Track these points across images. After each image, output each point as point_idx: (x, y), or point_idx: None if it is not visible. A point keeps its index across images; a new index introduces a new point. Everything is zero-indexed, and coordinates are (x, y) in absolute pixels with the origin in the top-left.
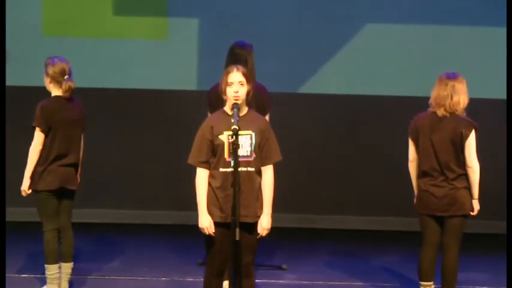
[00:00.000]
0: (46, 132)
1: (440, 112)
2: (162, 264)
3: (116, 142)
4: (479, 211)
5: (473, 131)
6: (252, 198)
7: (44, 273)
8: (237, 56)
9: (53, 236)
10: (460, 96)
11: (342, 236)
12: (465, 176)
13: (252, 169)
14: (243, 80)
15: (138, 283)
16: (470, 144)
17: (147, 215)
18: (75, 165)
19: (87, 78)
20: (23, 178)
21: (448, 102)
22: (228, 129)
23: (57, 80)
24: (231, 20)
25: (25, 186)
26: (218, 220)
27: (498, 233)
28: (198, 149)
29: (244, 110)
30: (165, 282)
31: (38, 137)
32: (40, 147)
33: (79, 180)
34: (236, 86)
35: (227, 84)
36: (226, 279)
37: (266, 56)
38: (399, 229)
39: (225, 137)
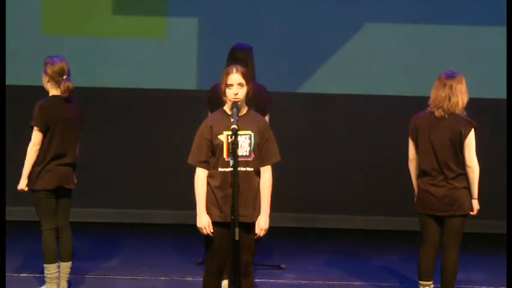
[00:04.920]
0: (44, 131)
1: (439, 113)
2: (162, 263)
3: (115, 142)
4: (479, 211)
5: (472, 130)
6: (251, 198)
7: (42, 273)
8: (237, 59)
9: (52, 236)
10: (459, 97)
11: (341, 236)
12: (465, 176)
13: (251, 169)
14: (243, 81)
15: (137, 282)
16: (470, 143)
17: (146, 214)
18: (72, 165)
19: (86, 78)
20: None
21: (446, 104)
22: (228, 129)
23: (56, 80)
24: (230, 19)
25: (22, 185)
26: (217, 220)
27: (498, 233)
28: (197, 148)
29: (244, 110)
30: (165, 282)
31: (36, 137)
32: (38, 146)
33: (76, 180)
34: (236, 87)
35: (227, 85)
36: (225, 279)
37: (266, 56)
38: (399, 229)
39: (224, 137)
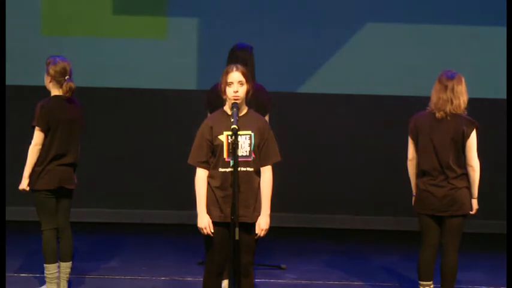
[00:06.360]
0: (45, 131)
1: (440, 115)
2: (162, 263)
3: (115, 142)
4: (479, 210)
5: (474, 129)
6: (251, 198)
7: (43, 273)
8: (238, 58)
9: (52, 236)
10: (460, 99)
11: (341, 236)
12: (465, 176)
13: (251, 169)
14: (243, 79)
15: (138, 282)
16: (472, 143)
17: (146, 214)
18: (73, 165)
19: (86, 78)
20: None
21: (448, 107)
22: (228, 129)
23: (58, 80)
24: (230, 19)
25: (24, 185)
26: (217, 220)
27: (498, 233)
28: (197, 149)
29: (244, 110)
30: (165, 282)
31: (38, 137)
32: (39, 146)
33: (76, 180)
34: (236, 85)
35: (227, 84)
36: (225, 279)
37: (266, 55)
38: (399, 229)
39: (224, 137)
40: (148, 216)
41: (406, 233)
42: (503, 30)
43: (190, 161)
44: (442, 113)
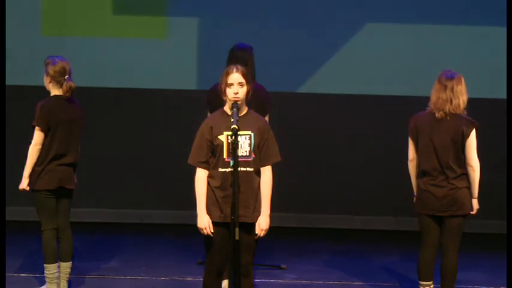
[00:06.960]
0: (45, 131)
1: (440, 115)
2: (162, 263)
3: (115, 142)
4: (479, 210)
5: (474, 129)
6: (251, 198)
7: (43, 273)
8: (238, 58)
9: (52, 236)
10: (460, 99)
11: (341, 236)
12: (465, 176)
13: (251, 169)
14: (243, 80)
15: (137, 282)
16: (471, 143)
17: (146, 214)
18: (73, 165)
19: (86, 78)
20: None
21: (447, 107)
22: (228, 129)
23: (57, 80)
24: (230, 19)
25: (24, 185)
26: (217, 220)
27: (498, 233)
28: (197, 149)
29: (244, 110)
30: (165, 282)
31: (38, 136)
32: (39, 146)
33: (76, 180)
34: (236, 87)
35: (227, 85)
36: (225, 279)
37: (266, 56)
38: (399, 229)
39: (224, 137)
40: (148, 216)
41: (406, 233)
42: (503, 30)
43: (190, 161)
44: (441, 113)
